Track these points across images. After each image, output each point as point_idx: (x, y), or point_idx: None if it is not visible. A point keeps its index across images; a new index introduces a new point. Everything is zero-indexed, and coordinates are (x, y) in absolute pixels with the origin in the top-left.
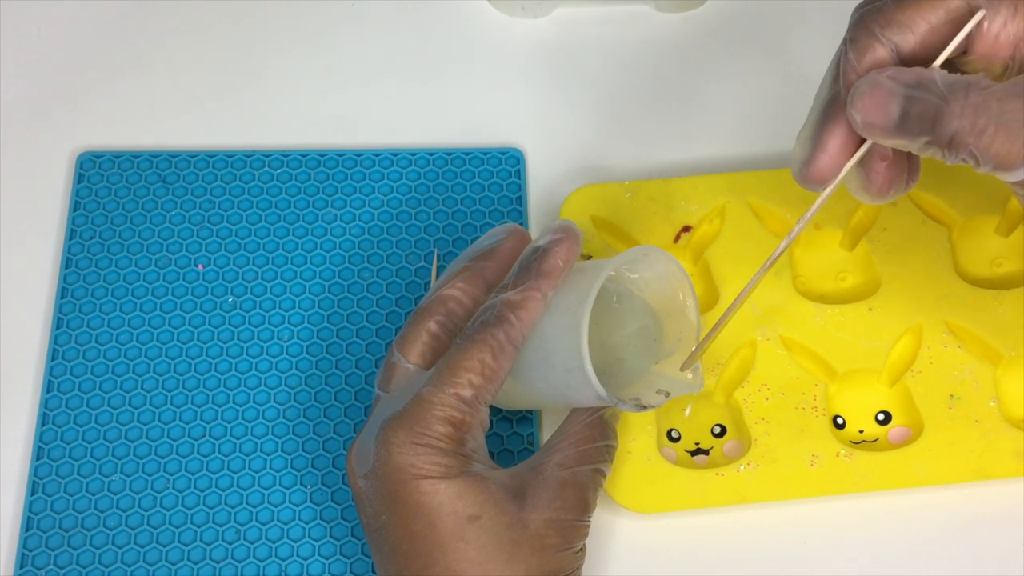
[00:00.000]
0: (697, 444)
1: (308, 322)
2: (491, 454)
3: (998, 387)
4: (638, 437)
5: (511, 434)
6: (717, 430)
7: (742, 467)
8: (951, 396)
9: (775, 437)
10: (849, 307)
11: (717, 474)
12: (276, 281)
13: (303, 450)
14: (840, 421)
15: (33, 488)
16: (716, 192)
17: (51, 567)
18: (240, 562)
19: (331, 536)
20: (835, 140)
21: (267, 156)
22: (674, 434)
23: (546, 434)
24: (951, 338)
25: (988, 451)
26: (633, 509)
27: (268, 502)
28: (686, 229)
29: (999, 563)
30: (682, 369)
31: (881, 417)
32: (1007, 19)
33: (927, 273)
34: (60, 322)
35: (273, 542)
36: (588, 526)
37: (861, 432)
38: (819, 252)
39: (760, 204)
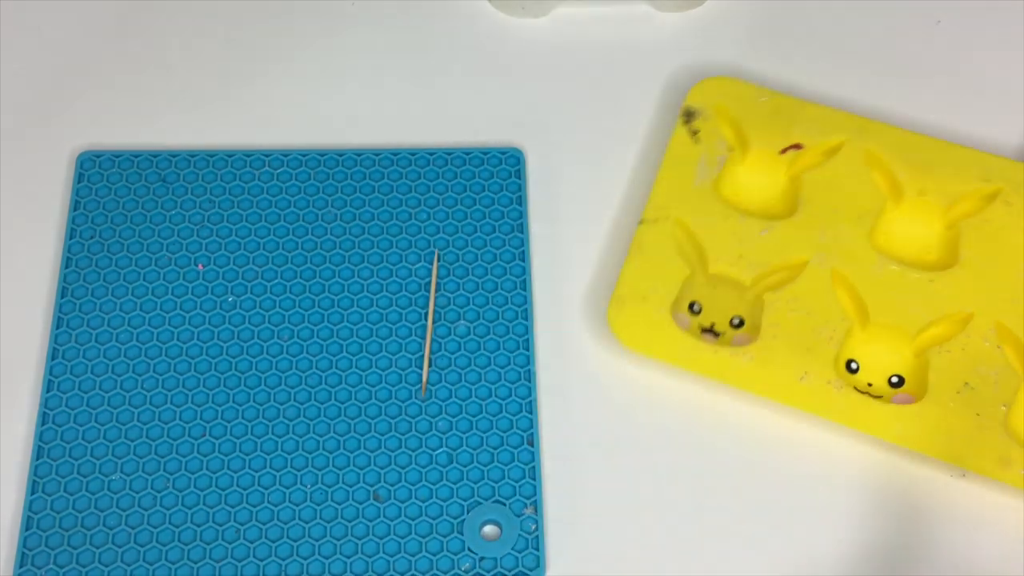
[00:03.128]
0: (712, 324)
1: (308, 321)
2: (491, 452)
3: (1018, 398)
4: (659, 289)
5: (511, 433)
6: (736, 321)
7: (738, 354)
8: (966, 384)
9: (781, 342)
10: (911, 270)
11: (713, 350)
12: (276, 281)
13: (302, 449)
14: (854, 366)
15: (33, 488)
16: (842, 129)
17: (51, 567)
18: (240, 561)
19: (330, 536)
20: None
21: (267, 156)
22: (695, 307)
23: (545, 431)
24: (994, 336)
25: (975, 444)
26: (625, 343)
27: (268, 501)
28: (796, 146)
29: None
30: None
31: (895, 380)
32: None
33: (1008, 274)
34: (60, 322)
35: (273, 542)
36: None
37: (870, 385)
38: (914, 220)
39: (878, 155)
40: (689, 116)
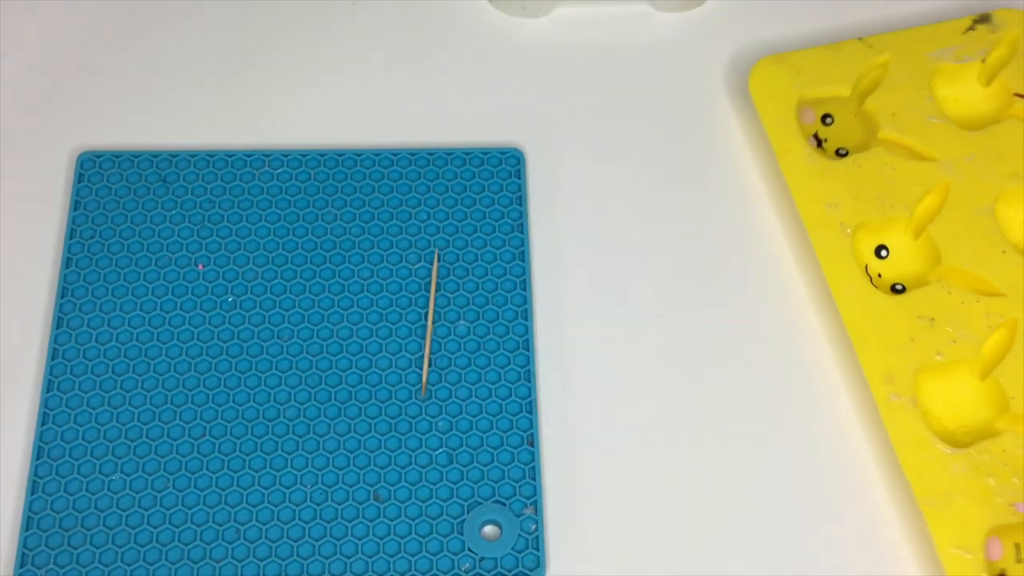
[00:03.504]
0: (825, 139)
1: (308, 321)
2: (491, 452)
3: (950, 366)
4: (815, 82)
5: (511, 433)
6: (842, 151)
7: (809, 153)
8: (932, 319)
9: (843, 176)
10: (998, 233)
11: (800, 141)
12: (276, 281)
13: (302, 449)
14: (884, 254)
15: (33, 488)
16: None
17: (51, 567)
18: (240, 562)
19: (330, 536)
20: None
21: (267, 156)
22: (828, 119)
23: (545, 431)
24: (999, 321)
25: (883, 350)
26: (752, 87)
27: (268, 501)
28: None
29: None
30: None
31: (899, 287)
32: None
33: None
34: (60, 321)
35: (273, 542)
36: None
37: (880, 276)
38: None
39: None
40: (982, 19)
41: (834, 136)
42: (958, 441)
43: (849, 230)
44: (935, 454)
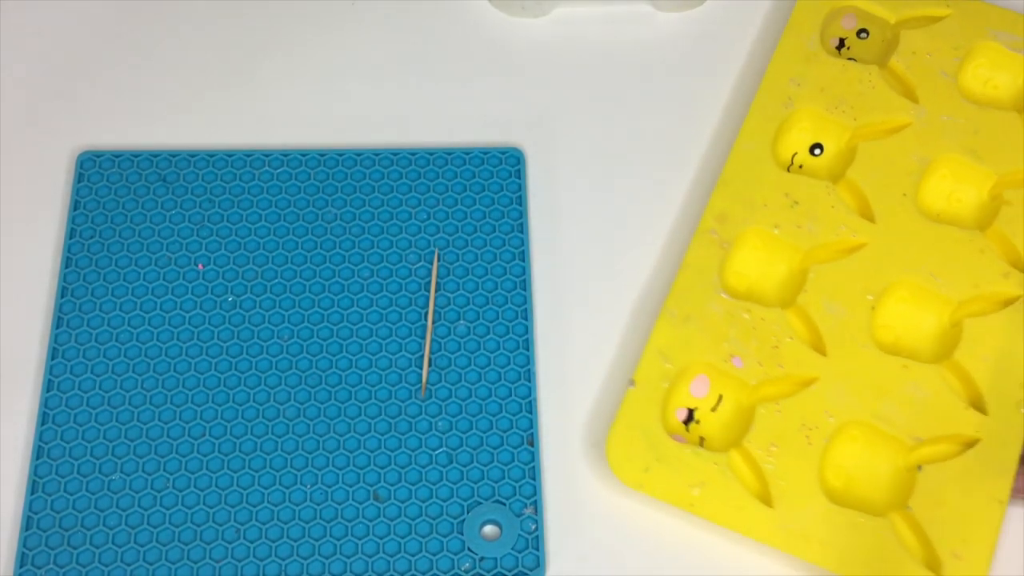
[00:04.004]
0: (848, 47)
1: (307, 321)
2: (491, 452)
3: (783, 247)
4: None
5: (511, 433)
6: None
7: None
8: (797, 202)
9: (809, 89)
10: (911, 188)
11: (817, 31)
12: (276, 281)
13: (302, 449)
14: (817, 152)
15: (33, 488)
16: None
17: (51, 566)
18: (240, 561)
19: (330, 536)
20: None
21: (267, 156)
22: (863, 35)
23: (545, 431)
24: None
25: (727, 197)
26: None
27: (268, 501)
28: None
29: None
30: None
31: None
32: None
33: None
34: (60, 321)
35: (273, 542)
36: None
37: (800, 167)
38: (968, 186)
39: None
40: None
41: (856, 48)
42: (741, 297)
43: (792, 106)
44: (706, 289)
